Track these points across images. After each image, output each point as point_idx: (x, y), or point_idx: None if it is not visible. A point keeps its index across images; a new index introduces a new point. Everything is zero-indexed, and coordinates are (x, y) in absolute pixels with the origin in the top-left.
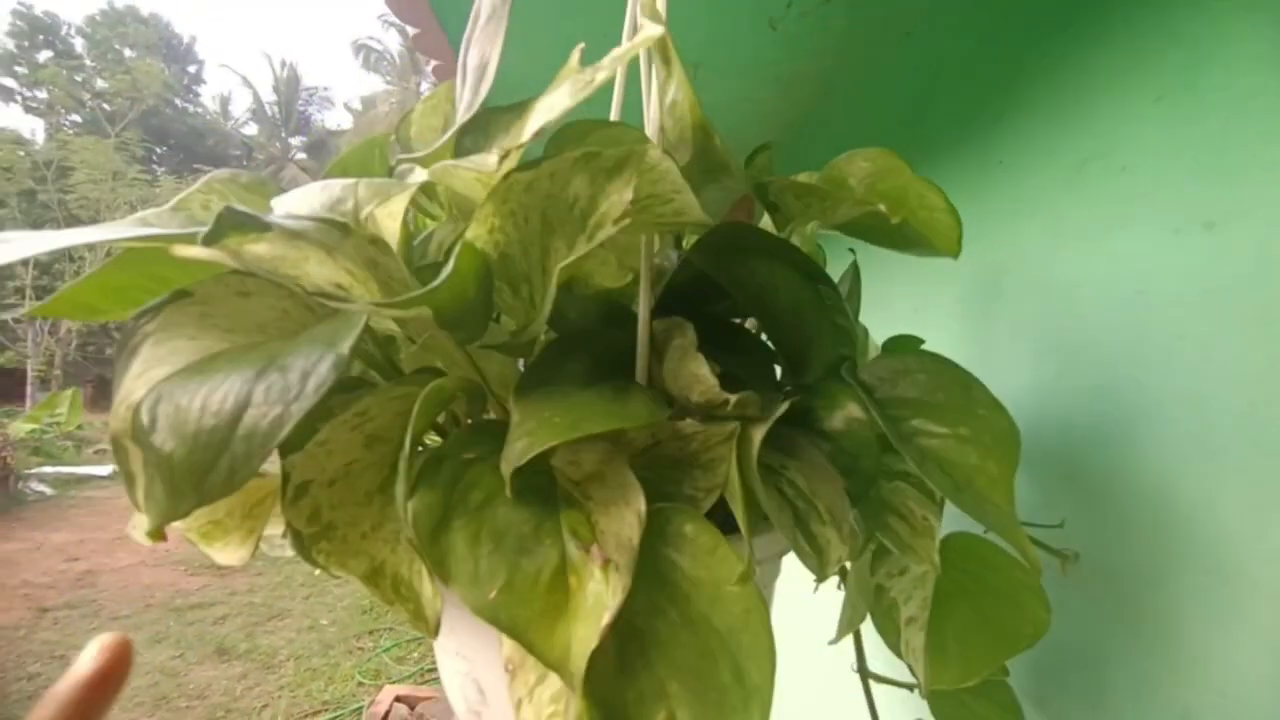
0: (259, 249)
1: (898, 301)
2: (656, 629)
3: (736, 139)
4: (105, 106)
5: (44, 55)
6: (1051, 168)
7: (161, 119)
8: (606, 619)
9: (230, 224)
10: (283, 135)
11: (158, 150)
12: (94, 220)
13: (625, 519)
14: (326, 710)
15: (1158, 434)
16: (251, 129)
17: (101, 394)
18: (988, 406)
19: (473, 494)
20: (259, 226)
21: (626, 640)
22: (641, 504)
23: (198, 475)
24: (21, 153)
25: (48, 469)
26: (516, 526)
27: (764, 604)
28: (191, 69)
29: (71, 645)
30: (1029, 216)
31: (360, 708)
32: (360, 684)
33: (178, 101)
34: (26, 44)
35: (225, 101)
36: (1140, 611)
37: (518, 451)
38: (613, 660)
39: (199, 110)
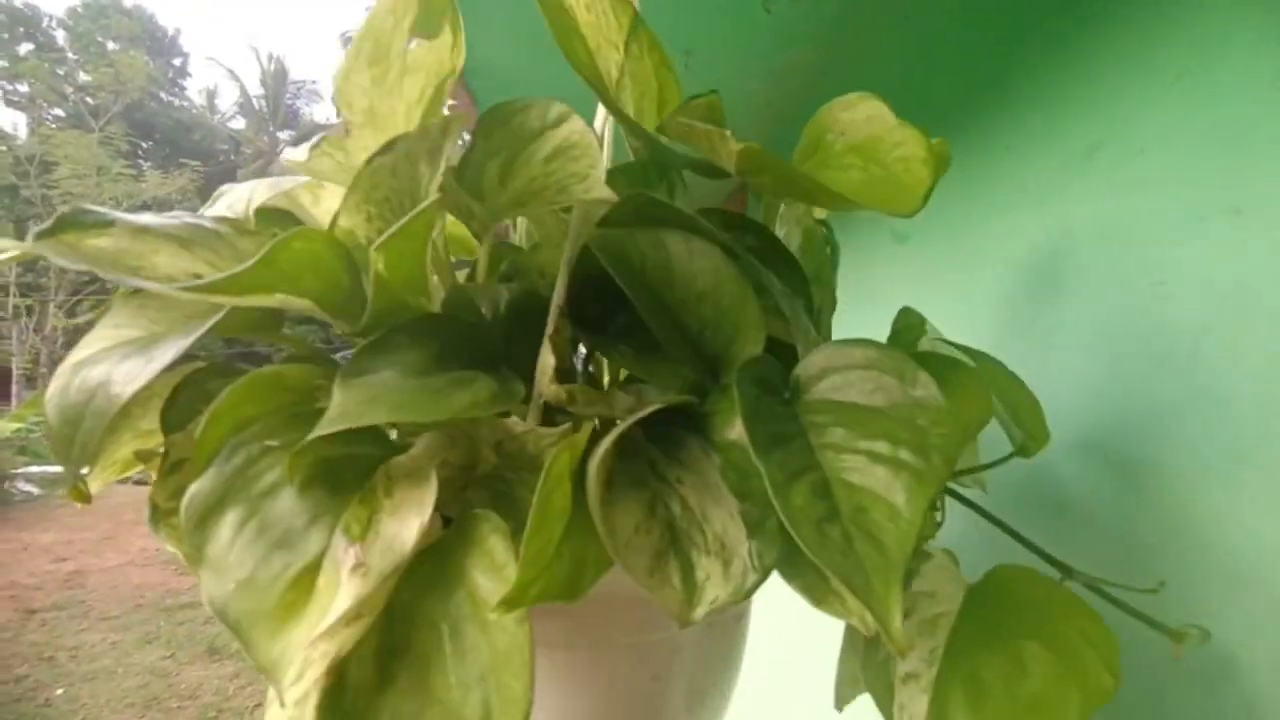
0: (101, 243)
1: (891, 295)
2: (428, 646)
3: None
4: (88, 100)
5: (25, 48)
6: (1061, 153)
7: (146, 113)
8: (322, 627)
9: (70, 220)
10: (270, 129)
11: (143, 145)
12: None
13: (408, 522)
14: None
15: (1179, 435)
16: (239, 123)
17: None
18: (932, 416)
19: (260, 481)
20: (101, 222)
21: (397, 654)
22: (428, 508)
23: (65, 445)
24: (3, 147)
25: (34, 468)
26: (291, 518)
27: (529, 641)
28: (176, 62)
29: (60, 647)
30: (1037, 204)
31: None
32: None
33: (163, 95)
34: (6, 36)
35: (212, 95)
36: (1161, 622)
37: (305, 440)
38: (372, 673)
39: (185, 104)
